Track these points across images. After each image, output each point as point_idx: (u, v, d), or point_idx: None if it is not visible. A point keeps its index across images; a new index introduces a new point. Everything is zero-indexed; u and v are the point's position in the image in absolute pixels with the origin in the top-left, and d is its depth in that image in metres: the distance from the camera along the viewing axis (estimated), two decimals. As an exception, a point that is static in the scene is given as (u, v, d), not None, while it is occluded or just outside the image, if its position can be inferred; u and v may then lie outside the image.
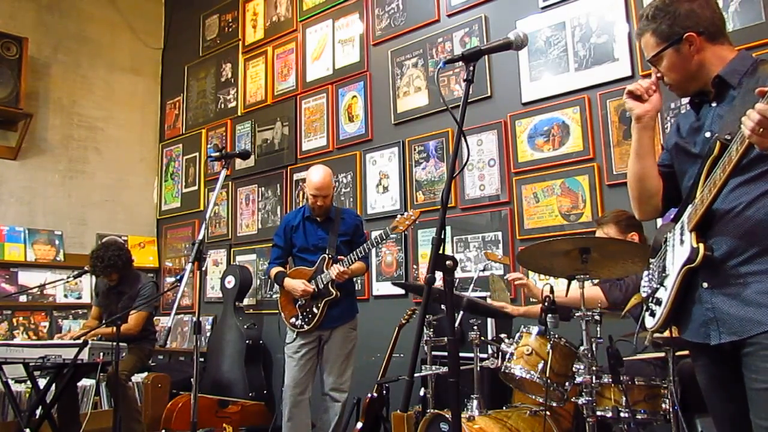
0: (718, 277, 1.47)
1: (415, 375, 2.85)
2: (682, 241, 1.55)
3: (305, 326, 3.45)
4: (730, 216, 1.47)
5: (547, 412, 2.53)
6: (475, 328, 2.79)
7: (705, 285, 1.50)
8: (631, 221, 2.73)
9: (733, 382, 1.49)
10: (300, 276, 3.52)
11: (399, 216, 3.44)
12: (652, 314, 1.63)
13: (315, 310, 3.44)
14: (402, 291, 4.13)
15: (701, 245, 1.47)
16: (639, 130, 1.68)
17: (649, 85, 1.66)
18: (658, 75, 1.66)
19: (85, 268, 4.26)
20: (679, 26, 1.57)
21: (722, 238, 1.47)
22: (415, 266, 4.18)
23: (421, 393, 3.15)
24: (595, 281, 2.94)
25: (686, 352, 2.17)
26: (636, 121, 1.68)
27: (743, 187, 1.46)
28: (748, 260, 1.43)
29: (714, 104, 1.59)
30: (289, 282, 3.49)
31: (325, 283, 3.43)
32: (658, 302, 1.61)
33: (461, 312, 2.93)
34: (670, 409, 2.15)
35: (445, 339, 1.67)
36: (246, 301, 5.12)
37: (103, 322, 4.10)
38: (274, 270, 3.61)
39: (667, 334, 1.68)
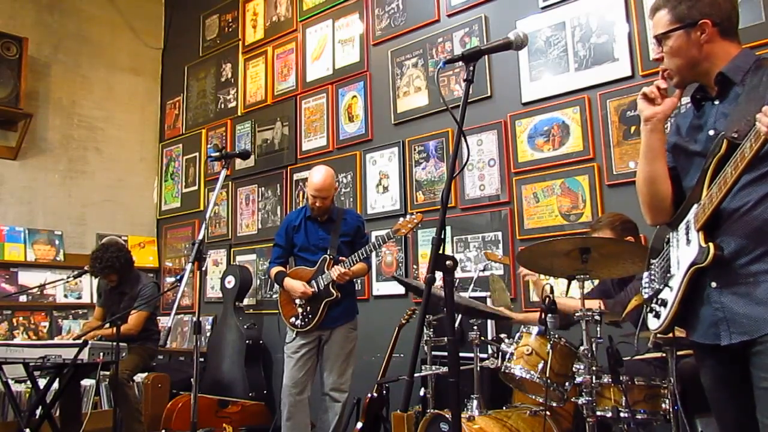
0: (728, 277, 1.45)
1: (415, 375, 2.85)
2: (688, 241, 1.53)
3: (305, 326, 3.45)
4: (737, 215, 1.45)
5: (547, 412, 2.53)
6: (475, 328, 2.79)
7: (714, 285, 1.48)
8: (626, 225, 2.70)
9: (739, 383, 1.48)
10: (300, 276, 3.52)
11: (401, 219, 3.44)
12: (657, 315, 1.61)
13: (315, 310, 3.44)
14: (402, 291, 4.13)
15: (711, 245, 1.44)
16: (647, 133, 1.65)
17: (663, 88, 1.63)
18: (658, 57, 1.64)
19: (85, 268, 4.27)
20: (697, 11, 1.55)
21: (730, 237, 1.46)
22: (415, 266, 4.17)
23: (421, 393, 3.15)
24: (595, 282, 2.95)
25: (687, 352, 2.17)
26: (644, 123, 1.65)
27: (750, 186, 1.44)
28: (756, 259, 1.42)
29: (717, 102, 1.57)
30: (288, 282, 3.49)
31: (325, 283, 3.43)
32: (663, 303, 1.58)
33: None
34: (670, 409, 2.15)
35: (445, 339, 1.67)
36: (246, 301, 5.11)
37: (105, 322, 4.11)
38: (275, 270, 3.61)
39: (669, 334, 1.67)
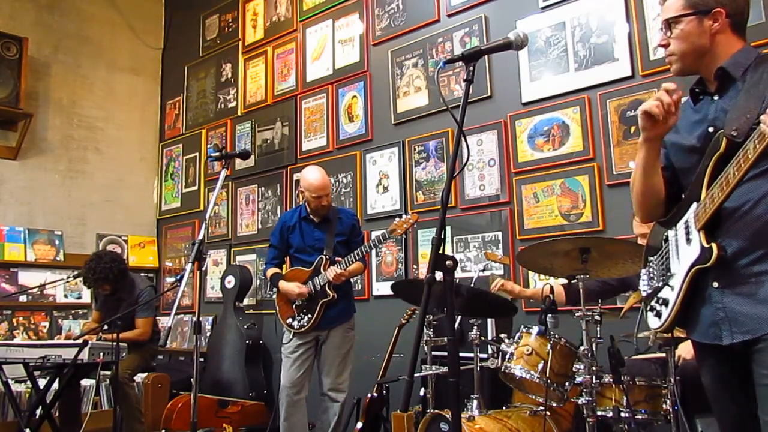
0: (730, 277, 1.45)
1: (415, 375, 2.85)
2: (688, 240, 1.52)
3: (302, 327, 3.45)
4: (737, 215, 1.44)
5: (547, 412, 2.53)
6: (475, 328, 2.79)
7: (716, 285, 1.47)
8: None
9: (740, 383, 1.47)
10: (297, 277, 3.52)
11: (397, 219, 3.44)
12: (658, 315, 1.60)
13: (312, 311, 3.43)
14: (402, 291, 4.12)
15: (714, 245, 1.43)
16: (648, 149, 1.60)
17: (670, 103, 1.51)
18: (663, 43, 1.61)
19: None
20: (713, 0, 1.55)
21: (731, 238, 1.45)
22: (415, 266, 4.17)
23: (421, 393, 3.15)
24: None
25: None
26: (645, 141, 1.59)
27: (750, 184, 1.43)
28: (759, 260, 1.41)
29: (716, 97, 1.56)
30: (283, 285, 3.49)
31: (322, 284, 3.42)
32: (665, 303, 1.57)
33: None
34: (671, 409, 2.15)
35: (445, 339, 1.67)
36: (246, 301, 5.11)
37: (103, 324, 4.10)
38: (271, 272, 3.62)
39: (670, 334, 1.66)
